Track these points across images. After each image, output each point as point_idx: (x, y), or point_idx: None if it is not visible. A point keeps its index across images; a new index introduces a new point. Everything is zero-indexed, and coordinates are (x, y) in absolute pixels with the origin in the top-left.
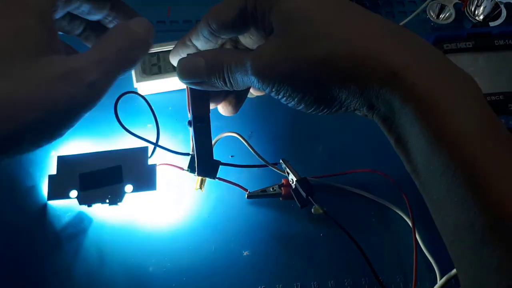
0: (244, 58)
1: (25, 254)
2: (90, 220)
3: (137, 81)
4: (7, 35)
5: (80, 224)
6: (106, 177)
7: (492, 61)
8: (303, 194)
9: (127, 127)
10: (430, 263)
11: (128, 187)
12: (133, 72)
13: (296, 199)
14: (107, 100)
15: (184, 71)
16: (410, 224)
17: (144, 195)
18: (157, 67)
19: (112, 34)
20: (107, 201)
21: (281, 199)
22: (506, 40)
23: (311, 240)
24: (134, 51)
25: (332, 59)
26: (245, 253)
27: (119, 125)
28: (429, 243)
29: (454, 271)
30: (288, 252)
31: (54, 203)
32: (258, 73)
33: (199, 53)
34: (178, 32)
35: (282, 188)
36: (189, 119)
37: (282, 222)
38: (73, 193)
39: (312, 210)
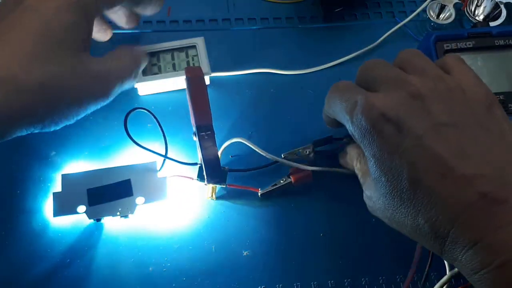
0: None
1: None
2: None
3: (137, 81)
4: (65, 28)
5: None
6: (116, 191)
7: (492, 61)
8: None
9: (126, 135)
10: (430, 261)
11: (140, 199)
12: None
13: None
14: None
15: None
16: None
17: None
18: (157, 67)
19: (123, 50)
20: (118, 213)
21: (293, 186)
22: (506, 40)
23: (311, 240)
24: (135, 67)
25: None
26: (245, 253)
27: (115, 145)
28: None
29: (455, 270)
30: (288, 252)
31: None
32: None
33: None
34: (178, 32)
35: (291, 176)
36: (194, 130)
37: (282, 222)
38: (81, 208)
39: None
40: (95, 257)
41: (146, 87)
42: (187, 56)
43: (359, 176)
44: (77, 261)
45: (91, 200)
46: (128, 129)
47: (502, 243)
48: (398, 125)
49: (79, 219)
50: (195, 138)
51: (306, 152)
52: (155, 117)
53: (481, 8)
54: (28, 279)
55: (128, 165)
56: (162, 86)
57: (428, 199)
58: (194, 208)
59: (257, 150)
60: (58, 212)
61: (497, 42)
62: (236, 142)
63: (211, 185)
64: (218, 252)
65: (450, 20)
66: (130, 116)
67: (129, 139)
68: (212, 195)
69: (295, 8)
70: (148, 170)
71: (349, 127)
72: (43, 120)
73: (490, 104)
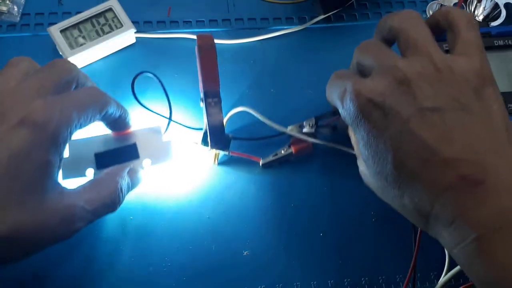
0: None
1: None
2: None
3: (69, 56)
4: (37, 168)
5: None
6: (123, 154)
7: (491, 61)
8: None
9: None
10: (431, 262)
11: (146, 161)
12: (60, 51)
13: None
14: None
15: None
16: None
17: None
18: (81, 38)
19: (99, 185)
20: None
21: (293, 157)
22: (506, 40)
23: (311, 239)
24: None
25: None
26: (245, 253)
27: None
28: (430, 241)
29: (455, 269)
30: (288, 252)
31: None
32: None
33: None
34: (178, 33)
35: (292, 146)
36: (201, 96)
37: (282, 222)
38: (90, 171)
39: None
40: (95, 256)
41: (80, 59)
42: (106, 20)
43: (355, 149)
44: (76, 260)
45: (99, 163)
46: (127, 93)
47: (478, 220)
48: (384, 110)
49: None
50: (202, 104)
51: (309, 125)
52: (160, 81)
53: (481, 8)
54: (27, 278)
55: (133, 130)
56: (95, 54)
57: (411, 182)
58: (190, 201)
59: (263, 120)
60: (67, 175)
61: (496, 43)
62: (239, 111)
63: (214, 151)
64: (218, 251)
65: None
66: (135, 82)
67: (134, 104)
68: (214, 161)
69: (295, 8)
70: (153, 133)
71: (341, 111)
72: (7, 264)
73: (481, 83)
